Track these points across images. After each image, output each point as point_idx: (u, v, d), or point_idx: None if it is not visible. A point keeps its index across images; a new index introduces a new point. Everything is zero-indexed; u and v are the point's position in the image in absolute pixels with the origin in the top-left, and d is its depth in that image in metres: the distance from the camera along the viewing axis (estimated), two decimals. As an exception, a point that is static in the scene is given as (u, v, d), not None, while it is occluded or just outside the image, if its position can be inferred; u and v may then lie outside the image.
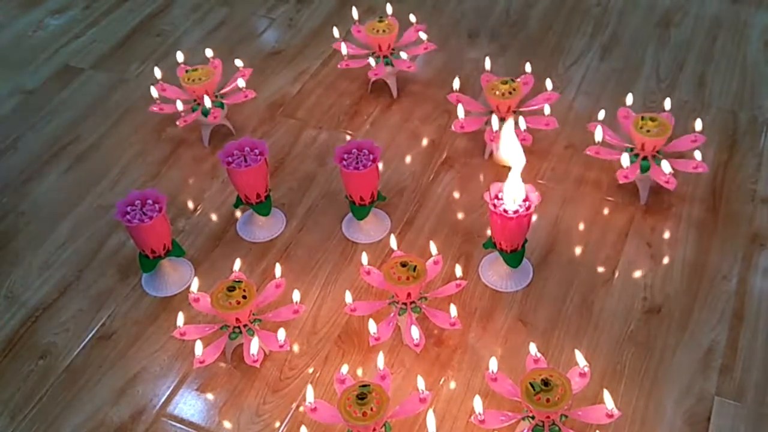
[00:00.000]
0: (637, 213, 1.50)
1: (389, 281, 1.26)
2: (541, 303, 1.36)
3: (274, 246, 1.48)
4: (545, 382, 1.08)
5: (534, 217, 1.48)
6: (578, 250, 1.44)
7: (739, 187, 1.54)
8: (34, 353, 1.33)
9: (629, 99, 1.58)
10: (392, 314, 1.28)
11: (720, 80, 1.78)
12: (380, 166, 1.56)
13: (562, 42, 1.92)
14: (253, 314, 1.28)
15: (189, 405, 1.25)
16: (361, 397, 1.08)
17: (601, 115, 1.56)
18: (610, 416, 1.12)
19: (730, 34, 1.91)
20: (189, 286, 1.35)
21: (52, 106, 1.83)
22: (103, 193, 1.61)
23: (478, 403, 1.13)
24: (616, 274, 1.40)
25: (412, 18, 1.83)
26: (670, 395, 1.23)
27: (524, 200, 1.29)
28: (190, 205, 1.58)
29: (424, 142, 1.68)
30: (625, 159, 1.46)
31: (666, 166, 1.45)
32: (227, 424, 1.22)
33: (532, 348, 1.20)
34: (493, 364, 1.17)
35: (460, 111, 1.58)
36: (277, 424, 1.22)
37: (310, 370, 1.28)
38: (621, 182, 1.47)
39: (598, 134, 1.51)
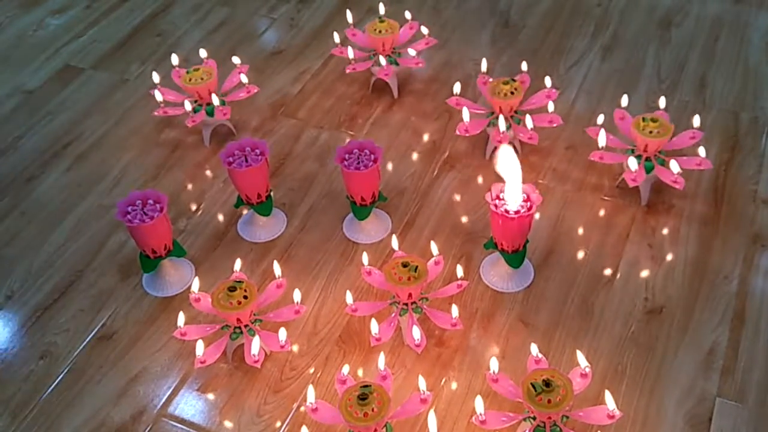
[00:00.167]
0: (638, 214, 1.50)
1: (390, 282, 1.25)
2: (543, 303, 1.36)
3: (275, 246, 1.48)
4: (547, 383, 1.08)
5: (537, 215, 1.48)
6: (579, 251, 1.44)
7: (740, 188, 1.54)
8: (35, 353, 1.33)
9: (624, 100, 1.58)
10: (393, 315, 1.28)
11: (721, 81, 1.78)
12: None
13: (563, 42, 1.92)
14: (254, 314, 1.28)
15: (190, 405, 1.25)
16: (363, 398, 1.08)
17: (600, 119, 1.56)
18: (612, 417, 1.12)
19: (731, 35, 1.91)
20: (190, 287, 1.35)
21: (52, 105, 1.83)
22: (103, 193, 1.61)
23: (479, 404, 1.13)
24: (618, 275, 1.40)
25: (407, 14, 1.82)
26: (671, 396, 1.23)
27: (525, 200, 1.29)
28: (191, 205, 1.57)
29: (426, 142, 1.68)
30: (632, 162, 1.46)
31: (674, 165, 1.44)
32: (228, 425, 1.22)
33: (534, 349, 1.20)
34: (494, 365, 1.17)
35: (466, 114, 1.57)
36: (278, 424, 1.22)
37: (311, 371, 1.28)
38: (630, 186, 1.46)
39: (602, 139, 1.50)
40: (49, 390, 1.28)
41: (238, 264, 1.35)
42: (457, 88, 1.63)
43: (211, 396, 1.26)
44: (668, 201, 1.51)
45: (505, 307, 1.36)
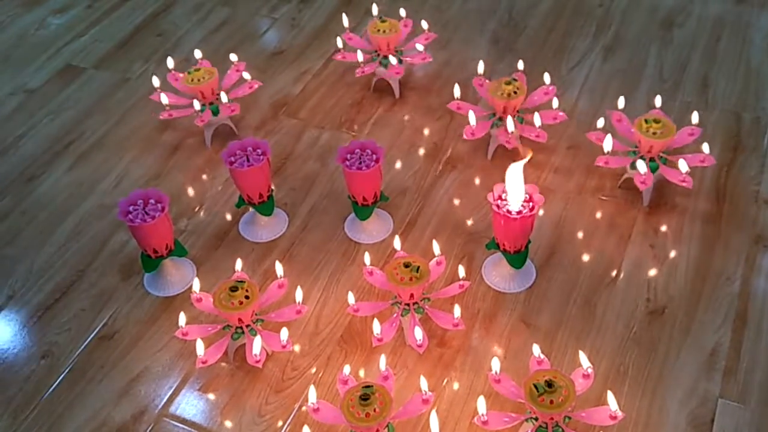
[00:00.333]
0: (640, 214, 1.49)
1: (392, 282, 1.25)
2: (545, 304, 1.36)
3: (277, 246, 1.48)
4: (549, 384, 1.08)
5: (540, 212, 1.48)
6: (581, 252, 1.44)
7: (742, 189, 1.53)
8: (36, 353, 1.33)
9: (621, 102, 1.58)
10: (395, 315, 1.28)
11: (723, 81, 1.78)
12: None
13: (564, 43, 1.92)
14: (256, 314, 1.28)
15: (191, 405, 1.25)
16: (365, 398, 1.08)
17: (600, 122, 1.55)
18: (614, 418, 1.12)
19: (733, 35, 1.91)
20: (191, 286, 1.35)
21: (53, 105, 1.83)
22: (105, 193, 1.61)
23: (481, 404, 1.12)
24: (620, 276, 1.40)
25: (402, 12, 1.82)
26: (673, 397, 1.22)
27: (528, 201, 1.29)
28: (193, 204, 1.57)
29: (427, 142, 1.67)
30: (641, 166, 1.45)
31: (683, 164, 1.44)
32: (229, 425, 1.22)
33: (536, 349, 1.19)
34: (496, 365, 1.17)
35: (472, 118, 1.56)
36: (280, 424, 1.22)
37: (313, 371, 1.28)
38: (641, 189, 1.46)
39: (608, 144, 1.49)
40: (51, 390, 1.28)
41: (239, 264, 1.35)
42: (457, 92, 1.62)
43: (212, 396, 1.26)
44: (670, 201, 1.51)
45: (507, 307, 1.36)
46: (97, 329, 1.36)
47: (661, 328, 1.31)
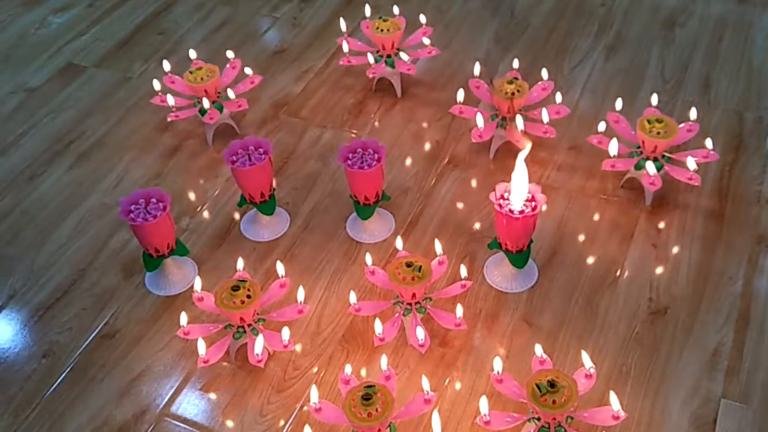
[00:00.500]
0: (643, 214, 1.49)
1: (394, 281, 1.25)
2: (547, 304, 1.36)
3: (278, 245, 1.48)
4: (551, 384, 1.08)
5: (543, 207, 1.48)
6: (584, 251, 1.44)
7: (744, 189, 1.53)
8: (37, 352, 1.33)
9: (619, 104, 1.58)
10: (397, 315, 1.28)
11: (725, 81, 1.78)
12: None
13: (566, 42, 1.92)
14: (258, 314, 1.28)
15: (192, 405, 1.25)
16: (367, 398, 1.08)
17: (602, 126, 1.55)
18: (616, 418, 1.11)
19: (735, 35, 1.91)
20: (192, 286, 1.34)
21: (54, 104, 1.82)
22: (106, 192, 1.60)
23: (483, 404, 1.12)
24: (622, 275, 1.39)
25: (395, 10, 1.81)
26: (676, 397, 1.22)
27: (530, 200, 1.29)
28: (194, 203, 1.57)
29: (429, 141, 1.67)
30: (651, 167, 1.45)
31: (691, 162, 1.44)
32: (231, 424, 1.22)
33: (538, 349, 1.19)
34: (498, 365, 1.17)
35: (480, 120, 1.56)
36: (281, 424, 1.21)
37: (314, 370, 1.28)
38: (652, 190, 1.46)
39: (613, 148, 1.49)
40: (52, 389, 1.28)
41: (240, 263, 1.35)
42: (460, 95, 1.62)
43: (213, 395, 1.26)
44: (672, 201, 1.51)
45: (509, 307, 1.35)
46: (99, 328, 1.36)
47: (664, 328, 1.31)
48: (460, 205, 1.53)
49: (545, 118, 1.54)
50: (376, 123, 1.72)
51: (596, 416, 1.13)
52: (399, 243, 1.38)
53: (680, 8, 2.00)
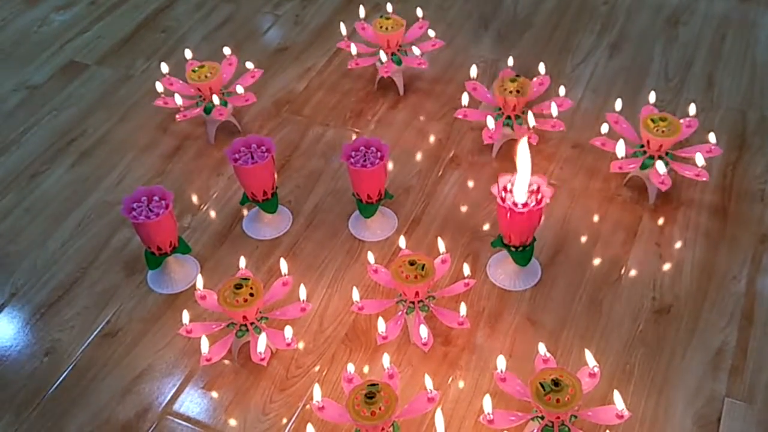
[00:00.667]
0: (646, 212, 1.49)
1: (397, 280, 1.25)
2: (550, 302, 1.35)
3: (281, 244, 1.47)
4: (555, 383, 1.07)
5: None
6: (587, 250, 1.43)
7: (748, 187, 1.53)
8: (40, 350, 1.33)
9: (618, 104, 1.58)
10: (400, 313, 1.28)
11: (729, 79, 1.77)
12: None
13: (569, 40, 1.91)
14: (260, 312, 1.28)
15: (195, 403, 1.25)
16: (370, 396, 1.07)
17: (605, 128, 1.54)
18: (620, 417, 1.11)
19: (738, 33, 1.90)
20: (195, 284, 1.34)
21: (57, 101, 1.82)
22: (108, 190, 1.60)
23: (487, 403, 1.12)
24: (626, 274, 1.39)
25: (389, 7, 1.80)
26: (680, 396, 1.22)
27: (535, 192, 1.28)
28: (196, 201, 1.57)
29: (431, 139, 1.67)
30: (661, 166, 1.44)
31: (700, 158, 1.44)
32: (233, 423, 1.22)
33: (541, 348, 1.19)
34: (502, 364, 1.17)
35: (491, 122, 1.55)
36: (284, 422, 1.21)
37: (317, 369, 1.28)
38: (663, 190, 1.45)
39: (620, 150, 1.48)
40: (54, 387, 1.28)
41: (243, 261, 1.35)
42: (464, 99, 1.60)
43: (216, 394, 1.26)
44: (676, 200, 1.51)
45: (512, 305, 1.35)
46: (101, 327, 1.36)
47: (667, 326, 1.31)
48: (463, 204, 1.53)
49: (554, 111, 1.54)
50: (379, 121, 1.72)
51: (600, 415, 1.13)
52: (402, 241, 1.38)
53: (683, 6, 2.00)
